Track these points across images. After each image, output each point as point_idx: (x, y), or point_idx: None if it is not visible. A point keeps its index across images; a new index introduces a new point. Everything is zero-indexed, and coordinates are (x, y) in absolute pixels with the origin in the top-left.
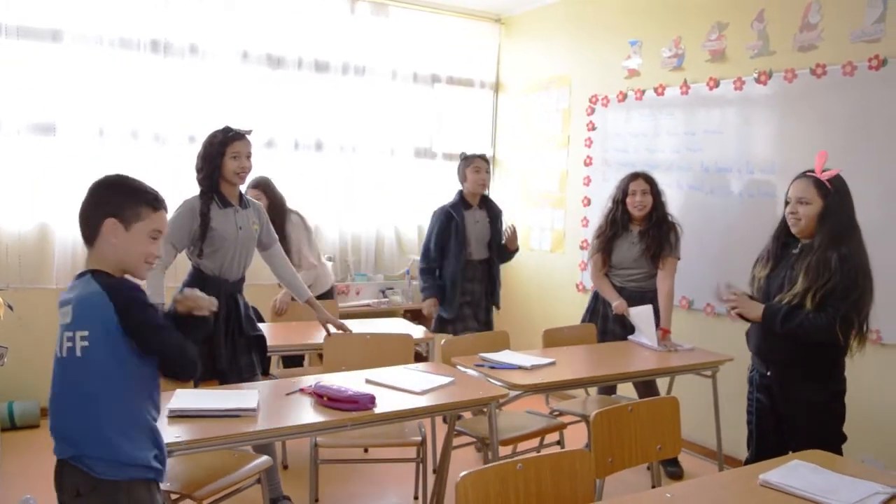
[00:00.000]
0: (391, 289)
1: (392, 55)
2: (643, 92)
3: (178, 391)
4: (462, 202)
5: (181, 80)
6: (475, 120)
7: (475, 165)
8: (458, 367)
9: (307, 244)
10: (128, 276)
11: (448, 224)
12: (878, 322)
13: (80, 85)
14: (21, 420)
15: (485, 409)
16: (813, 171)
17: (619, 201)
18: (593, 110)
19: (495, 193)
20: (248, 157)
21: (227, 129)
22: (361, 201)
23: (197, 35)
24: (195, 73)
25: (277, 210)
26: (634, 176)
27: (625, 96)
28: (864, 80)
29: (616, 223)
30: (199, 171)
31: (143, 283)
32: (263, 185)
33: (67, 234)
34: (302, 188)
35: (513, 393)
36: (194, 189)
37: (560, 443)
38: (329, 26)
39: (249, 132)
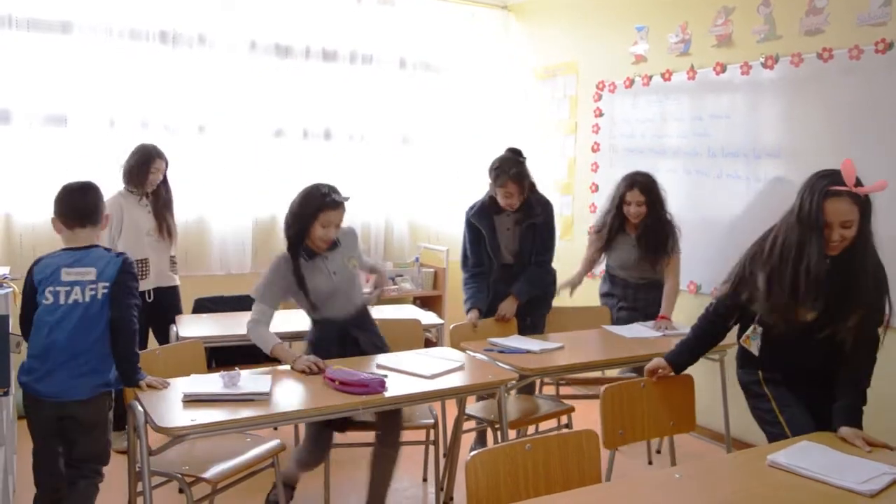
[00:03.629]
0: (401, 276)
1: (399, 43)
2: (650, 78)
3: (193, 375)
4: (493, 205)
5: (190, 71)
6: (483, 107)
7: (506, 190)
8: (468, 351)
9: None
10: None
11: (478, 234)
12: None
13: (90, 76)
14: None
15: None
16: (843, 186)
17: (617, 207)
18: (600, 96)
19: None
20: (338, 226)
21: (326, 193)
22: (370, 190)
23: (205, 25)
24: (204, 64)
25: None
26: (630, 185)
27: (632, 82)
28: (870, 63)
29: (613, 231)
30: (287, 226)
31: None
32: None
33: None
34: (311, 177)
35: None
36: (201, 180)
37: (568, 425)
38: (336, 15)
39: (347, 199)
